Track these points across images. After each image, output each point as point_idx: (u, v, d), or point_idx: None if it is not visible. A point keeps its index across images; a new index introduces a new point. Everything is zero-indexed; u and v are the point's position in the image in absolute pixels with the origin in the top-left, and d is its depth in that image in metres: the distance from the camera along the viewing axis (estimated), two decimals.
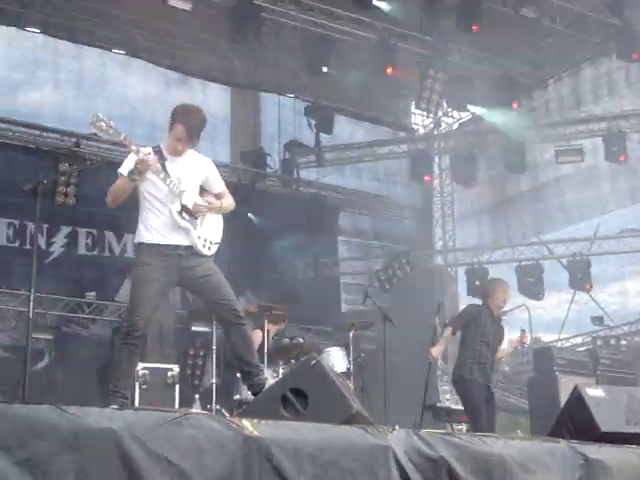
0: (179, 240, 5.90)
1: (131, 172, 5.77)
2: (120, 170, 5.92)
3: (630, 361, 11.79)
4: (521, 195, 17.42)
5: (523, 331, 9.36)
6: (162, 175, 5.85)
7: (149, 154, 5.78)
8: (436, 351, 8.91)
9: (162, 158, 5.90)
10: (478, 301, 15.40)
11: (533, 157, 16.27)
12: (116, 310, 13.49)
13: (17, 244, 13.26)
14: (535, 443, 5.12)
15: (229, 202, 6.32)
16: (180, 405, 9.01)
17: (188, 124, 5.89)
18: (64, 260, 13.71)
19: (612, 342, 14.06)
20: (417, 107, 15.72)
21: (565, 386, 9.47)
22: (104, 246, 14.19)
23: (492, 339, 8.75)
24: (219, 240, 6.15)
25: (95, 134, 13.24)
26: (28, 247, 13.19)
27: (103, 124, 5.69)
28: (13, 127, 13.85)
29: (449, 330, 8.87)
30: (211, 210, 6.06)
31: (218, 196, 6.24)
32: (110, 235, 14.18)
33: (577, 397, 5.91)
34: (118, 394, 5.68)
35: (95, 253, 14.13)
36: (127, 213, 6.23)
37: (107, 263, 14.19)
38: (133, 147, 5.79)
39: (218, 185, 6.29)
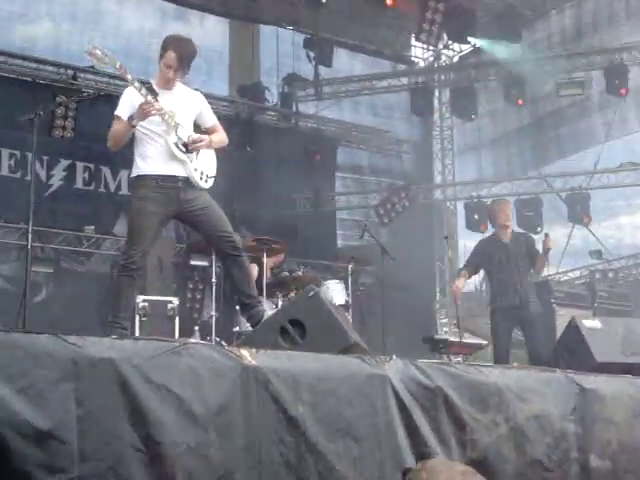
0: (176, 170, 5.89)
1: (131, 117, 5.76)
2: (118, 112, 5.88)
3: (627, 293, 11.86)
4: (521, 129, 17.33)
5: (546, 235, 9.27)
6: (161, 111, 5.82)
7: (153, 100, 5.73)
8: (459, 284, 9.00)
9: (153, 93, 5.86)
10: (476, 235, 15.54)
11: (534, 90, 16.11)
12: (114, 244, 13.50)
13: (19, 175, 13.21)
14: (531, 372, 5.18)
15: (221, 137, 6.28)
16: (180, 337, 9.07)
17: (179, 51, 5.86)
18: (62, 193, 13.63)
19: (610, 275, 14.12)
20: (417, 39, 15.52)
21: (563, 318, 9.53)
22: (100, 181, 14.11)
23: (516, 260, 8.71)
24: (214, 174, 6.15)
25: (92, 67, 13.19)
26: (29, 178, 13.17)
27: (99, 52, 5.68)
28: (9, 60, 13.67)
29: (463, 275, 9.07)
30: (204, 145, 6.03)
31: (210, 130, 6.21)
32: (106, 170, 14.09)
33: (574, 328, 5.98)
34: (117, 325, 5.73)
35: (91, 188, 14.05)
36: (123, 149, 6.19)
37: (102, 198, 14.13)
38: (129, 76, 5.75)
39: (210, 119, 6.26)
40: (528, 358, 8.48)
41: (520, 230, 9.27)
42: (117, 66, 5.77)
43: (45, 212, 12.35)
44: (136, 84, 5.75)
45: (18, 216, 11.89)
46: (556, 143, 16.90)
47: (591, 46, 15.45)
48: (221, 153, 6.40)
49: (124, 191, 13.87)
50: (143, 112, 5.72)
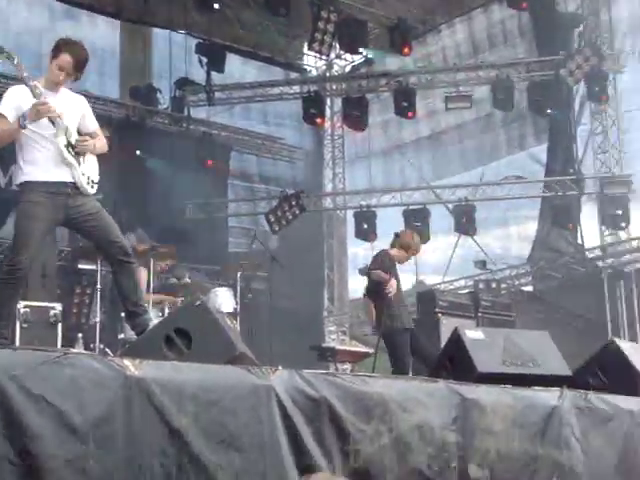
0: (65, 176, 5.75)
1: (23, 118, 5.55)
2: (1, 111, 5.64)
3: (509, 304, 12.14)
4: (418, 140, 17.63)
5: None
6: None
7: (46, 99, 5.58)
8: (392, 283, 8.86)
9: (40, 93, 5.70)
10: (365, 244, 15.68)
11: (433, 104, 16.40)
12: None
13: None
14: (414, 383, 5.24)
15: (103, 143, 6.15)
16: (63, 344, 8.85)
17: (75, 56, 5.72)
18: None
19: (493, 285, 14.49)
20: (310, 48, 15.63)
21: (446, 327, 9.70)
22: None
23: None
24: (98, 179, 6.03)
25: None
26: None
27: None
28: None
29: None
30: (90, 146, 5.90)
31: (92, 135, 6.06)
32: None
33: (456, 339, 6.07)
34: None
35: None
36: (13, 144, 6.00)
37: None
38: (25, 74, 5.58)
39: (92, 124, 6.13)
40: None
41: None
42: (15, 62, 5.60)
43: None
44: (31, 83, 5.58)
45: None
46: (460, 156, 17.26)
47: (486, 61, 15.84)
48: (106, 157, 6.28)
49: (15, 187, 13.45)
50: (37, 113, 5.53)
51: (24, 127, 5.59)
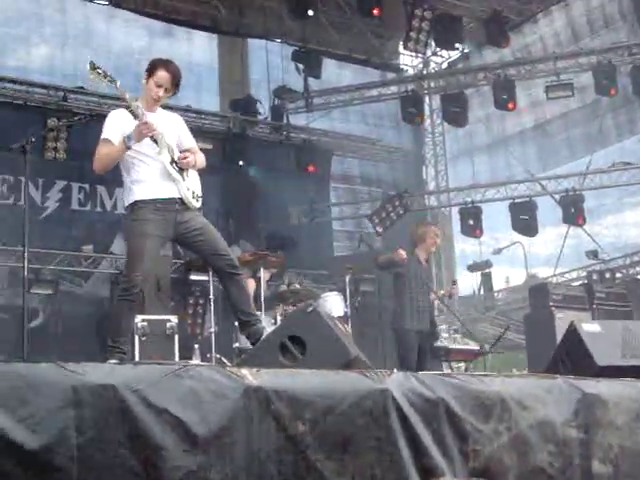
0: (172, 192, 5.88)
1: (128, 139, 5.71)
2: (107, 136, 5.82)
3: (625, 294, 11.83)
4: (522, 132, 17.35)
5: (454, 282, 9.38)
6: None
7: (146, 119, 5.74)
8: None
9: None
10: (472, 240, 15.53)
11: (536, 94, 16.08)
12: (112, 264, 13.49)
13: (11, 200, 13.16)
14: (532, 380, 5.16)
15: (201, 158, 6.27)
16: (180, 355, 9.06)
17: (172, 72, 5.88)
18: (58, 216, 13.59)
19: (607, 275, 14.12)
20: (405, 47, 15.58)
21: (561, 321, 9.53)
22: (96, 201, 14.08)
23: (422, 284, 8.93)
24: (201, 193, 6.16)
25: (81, 87, 13.17)
26: (22, 203, 13.10)
27: (100, 71, 5.70)
28: (1, 83, 13.68)
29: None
30: (192, 160, 6.03)
31: (189, 152, 6.18)
32: (102, 189, 14.07)
33: (573, 333, 5.96)
34: (116, 349, 5.71)
35: (87, 208, 14.03)
36: (118, 167, 6.18)
37: (98, 219, 14.10)
38: (127, 96, 5.76)
39: (189, 141, 6.25)
40: None
41: None
42: (117, 85, 5.78)
43: (40, 235, 12.32)
44: (133, 104, 5.75)
45: (12, 241, 11.87)
46: (567, 145, 16.89)
47: (587, 48, 15.46)
48: (210, 169, 6.40)
49: (120, 210, 13.85)
50: (140, 133, 5.69)
51: (129, 148, 5.76)
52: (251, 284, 9.14)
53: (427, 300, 9.06)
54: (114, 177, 6.30)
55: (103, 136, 5.86)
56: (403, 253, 8.70)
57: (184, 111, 12.26)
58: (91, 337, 11.50)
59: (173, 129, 6.10)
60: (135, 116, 5.73)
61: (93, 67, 5.71)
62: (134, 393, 3.69)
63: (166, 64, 5.91)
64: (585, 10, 15.93)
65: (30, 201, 12.61)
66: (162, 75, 5.86)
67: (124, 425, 3.62)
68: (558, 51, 15.88)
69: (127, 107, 5.75)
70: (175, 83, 5.93)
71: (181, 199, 5.91)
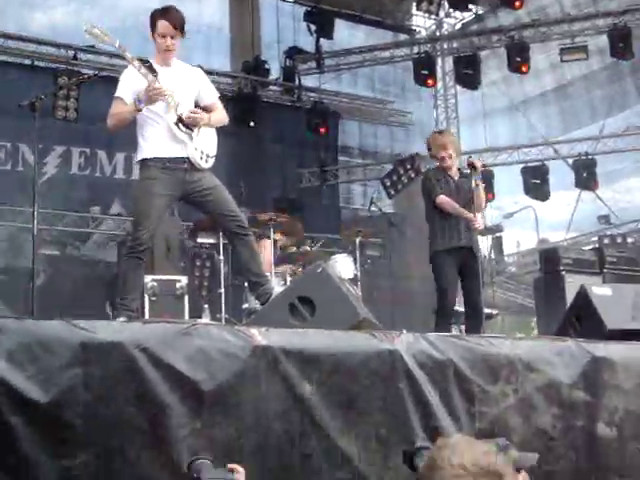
0: (179, 152, 5.85)
1: (139, 101, 5.70)
2: (119, 94, 5.82)
3: (636, 258, 11.76)
4: (543, 94, 17.16)
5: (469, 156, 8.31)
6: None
7: (156, 81, 5.70)
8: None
9: (153, 72, 5.81)
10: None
11: (555, 56, 15.84)
12: (115, 227, 13.57)
13: (9, 166, 13.08)
14: (542, 342, 5.17)
15: (220, 116, 6.21)
16: (190, 315, 9.08)
17: (170, 18, 5.83)
18: (57, 181, 13.41)
19: (618, 240, 14.05)
20: (418, 9, 15.43)
21: (571, 285, 9.49)
22: (95, 166, 13.98)
23: (458, 196, 7.59)
24: (215, 153, 6.10)
25: (92, 46, 13.05)
26: (21, 169, 13.03)
27: (97, 31, 5.66)
28: (6, 41, 13.52)
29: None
30: (200, 119, 5.95)
31: (209, 107, 6.13)
32: (102, 154, 13.98)
33: (583, 296, 5.96)
34: (125, 307, 5.72)
35: (87, 173, 13.93)
36: (121, 132, 6.16)
37: (98, 183, 14.03)
38: (128, 55, 5.72)
39: (209, 96, 6.19)
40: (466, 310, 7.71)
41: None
42: (117, 45, 5.74)
43: (40, 200, 12.30)
44: (135, 63, 5.71)
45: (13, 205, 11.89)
46: (589, 107, 16.70)
47: (607, 9, 15.22)
48: (221, 130, 6.35)
49: (119, 174, 13.85)
50: (150, 98, 5.68)
51: (140, 110, 5.75)
52: (267, 244, 9.12)
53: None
54: (115, 141, 6.30)
55: (116, 94, 5.85)
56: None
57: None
58: (91, 299, 11.56)
59: (189, 84, 6.03)
60: (144, 76, 5.70)
61: (91, 29, 5.66)
62: (142, 351, 3.70)
63: (163, 13, 5.85)
64: None
65: (28, 167, 12.58)
66: (162, 24, 5.82)
67: (131, 383, 3.64)
68: (576, 12, 15.67)
69: (138, 67, 5.72)
70: (178, 28, 5.87)
71: (189, 159, 5.88)
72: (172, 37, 5.85)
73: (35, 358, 3.51)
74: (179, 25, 5.87)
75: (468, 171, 7.62)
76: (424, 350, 4.43)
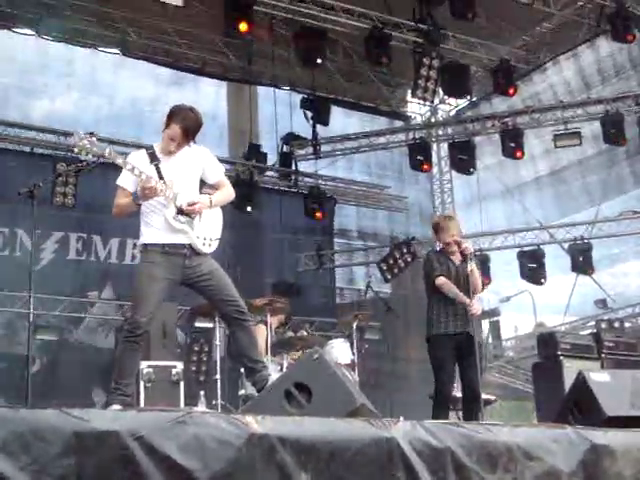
0: (180, 239, 5.89)
1: (136, 197, 5.78)
2: (121, 183, 5.87)
3: (634, 343, 11.73)
4: (537, 179, 17.34)
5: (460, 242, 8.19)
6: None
7: (153, 181, 5.75)
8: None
9: (155, 159, 5.88)
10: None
11: (550, 141, 16.04)
12: (107, 312, 13.61)
13: (7, 252, 13.12)
14: (540, 429, 5.11)
15: (225, 194, 6.26)
16: (185, 402, 9.02)
17: (184, 125, 5.83)
18: (54, 266, 13.51)
19: (616, 325, 14.02)
20: (413, 96, 15.67)
21: (570, 370, 9.45)
22: (91, 251, 14.07)
23: (458, 280, 7.63)
24: (219, 235, 6.12)
25: (92, 133, 13.21)
26: (18, 254, 13.07)
27: (86, 142, 5.67)
28: (7, 129, 13.74)
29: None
30: (202, 209, 5.98)
31: (216, 185, 6.18)
32: (97, 239, 14.07)
33: (582, 382, 5.92)
34: (120, 392, 5.67)
35: (83, 257, 14.01)
36: (115, 219, 6.22)
37: (91, 268, 14.11)
38: (119, 160, 5.76)
39: (214, 175, 6.22)
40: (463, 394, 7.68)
41: None
42: (106, 154, 5.74)
43: (37, 285, 12.30)
44: (128, 167, 5.75)
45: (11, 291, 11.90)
46: (585, 192, 16.86)
47: (599, 96, 15.50)
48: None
49: (113, 259, 13.89)
50: (144, 196, 5.75)
51: (139, 204, 5.83)
52: (261, 330, 9.11)
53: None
54: (111, 227, 6.36)
55: (118, 182, 5.91)
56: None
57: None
58: (85, 385, 11.50)
59: (194, 167, 6.05)
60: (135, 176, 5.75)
61: (77, 140, 5.68)
62: (137, 440, 3.65)
63: (181, 116, 5.84)
64: (595, 59, 16.01)
65: (26, 252, 12.61)
66: (174, 129, 5.83)
67: (125, 472, 3.58)
68: (569, 99, 15.95)
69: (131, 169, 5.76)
70: (188, 135, 5.89)
71: (190, 245, 5.91)
72: (179, 144, 5.89)
73: (28, 448, 3.47)
74: (192, 133, 5.91)
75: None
76: (421, 438, 4.38)
